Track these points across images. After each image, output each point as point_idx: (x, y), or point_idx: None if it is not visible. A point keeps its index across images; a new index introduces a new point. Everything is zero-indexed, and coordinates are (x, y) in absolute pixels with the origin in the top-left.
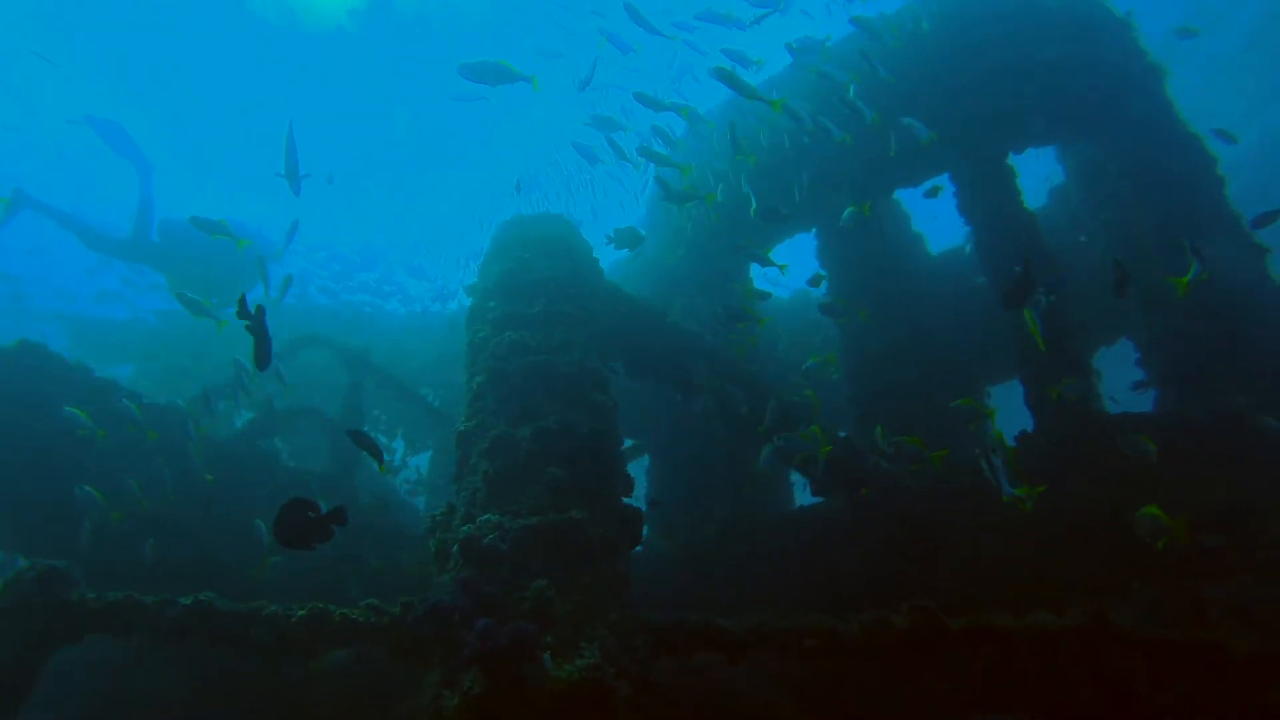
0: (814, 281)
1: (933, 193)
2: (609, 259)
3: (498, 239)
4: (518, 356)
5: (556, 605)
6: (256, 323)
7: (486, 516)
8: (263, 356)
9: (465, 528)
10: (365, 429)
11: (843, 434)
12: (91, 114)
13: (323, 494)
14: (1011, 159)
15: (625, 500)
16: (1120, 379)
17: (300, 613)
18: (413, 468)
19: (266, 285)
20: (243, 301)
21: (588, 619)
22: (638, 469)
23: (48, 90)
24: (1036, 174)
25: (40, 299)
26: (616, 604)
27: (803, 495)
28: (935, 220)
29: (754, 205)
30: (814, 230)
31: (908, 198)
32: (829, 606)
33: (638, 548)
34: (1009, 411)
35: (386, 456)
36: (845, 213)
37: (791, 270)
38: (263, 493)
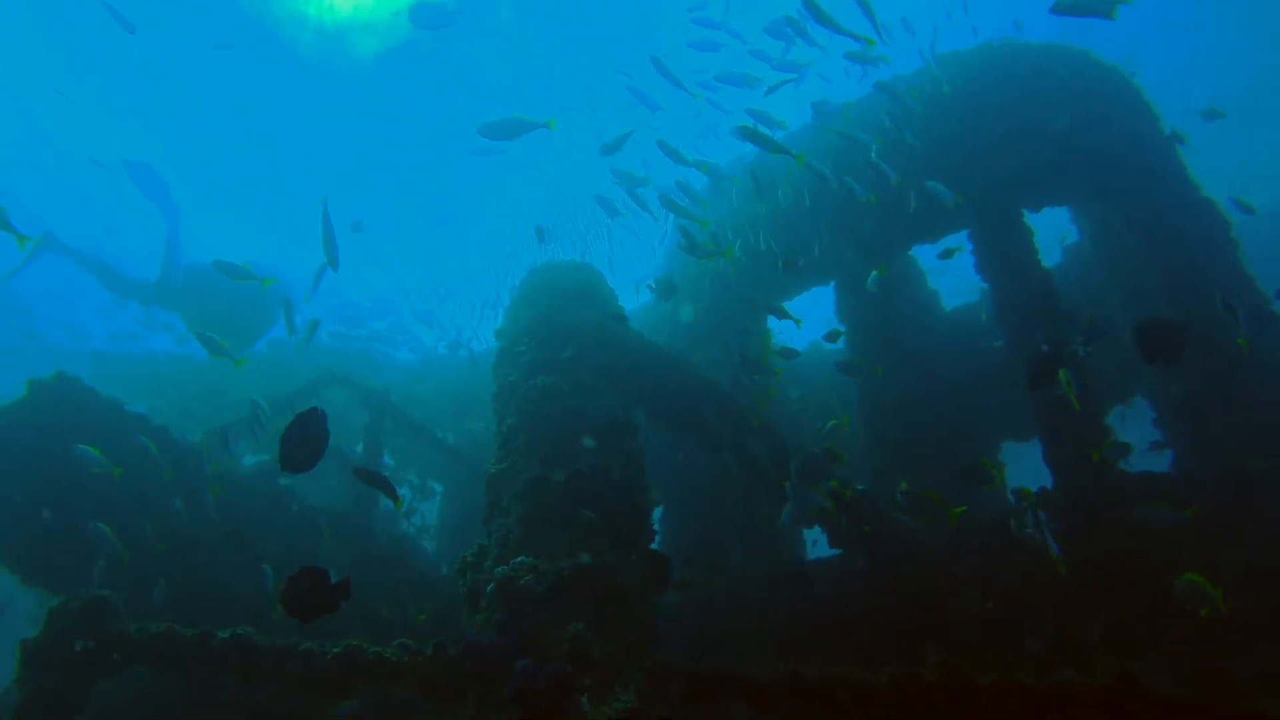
0: (830, 337)
1: (947, 254)
2: (629, 305)
3: (527, 284)
4: (549, 401)
5: (593, 648)
6: (317, 426)
7: (521, 558)
8: (303, 462)
9: (500, 569)
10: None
11: (860, 488)
12: (128, 157)
13: (333, 532)
14: (1028, 216)
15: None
16: (1133, 438)
17: (335, 650)
18: (418, 514)
19: (292, 327)
20: (317, 409)
21: (622, 662)
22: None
23: (76, 129)
24: (1051, 232)
25: (55, 337)
26: (648, 648)
27: (813, 550)
28: (944, 276)
29: (780, 260)
30: (832, 284)
31: (922, 254)
32: (842, 656)
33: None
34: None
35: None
36: (870, 277)
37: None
38: (275, 530)
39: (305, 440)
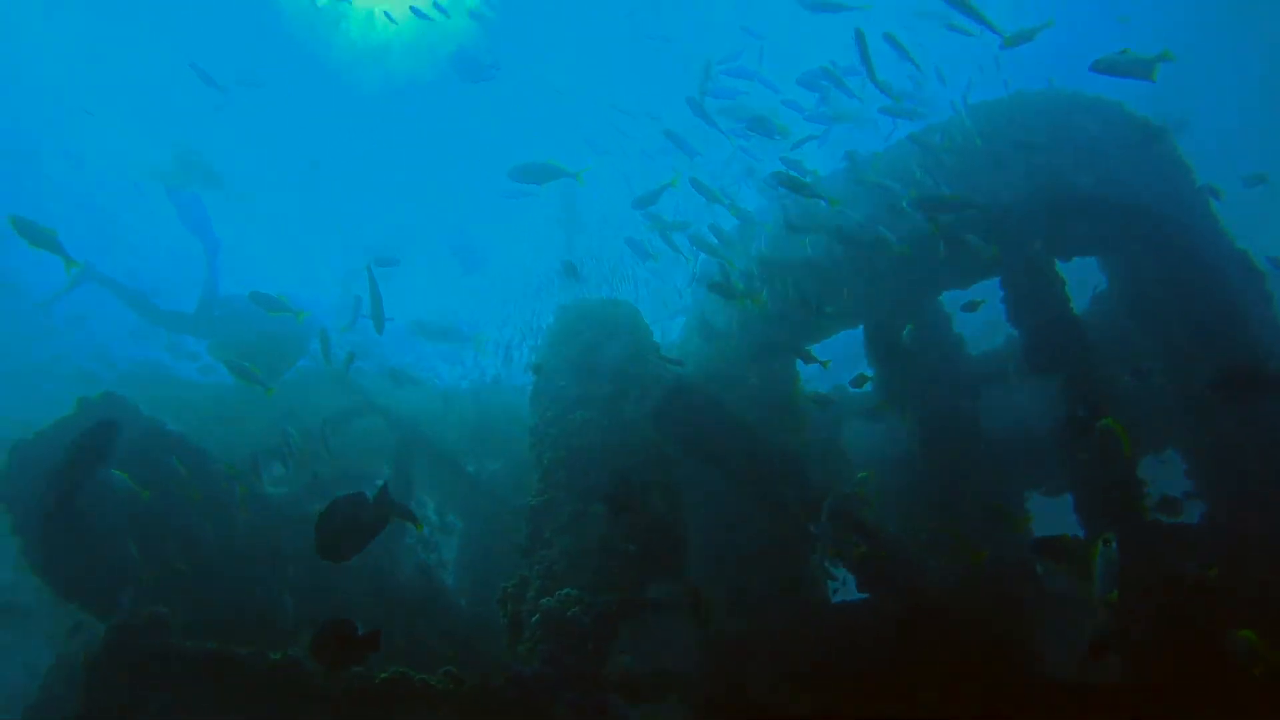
0: (857, 382)
1: (971, 306)
2: (663, 341)
3: (564, 321)
4: (589, 435)
5: (639, 680)
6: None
7: (566, 590)
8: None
9: (546, 600)
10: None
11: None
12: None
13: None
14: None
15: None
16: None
17: (382, 675)
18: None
19: (329, 358)
20: (384, 490)
21: (667, 693)
22: None
23: (104, 149)
24: (1078, 278)
25: (80, 362)
26: (691, 679)
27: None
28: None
29: (810, 305)
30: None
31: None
32: (872, 692)
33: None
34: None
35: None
36: (905, 331)
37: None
38: (301, 556)
39: (347, 529)
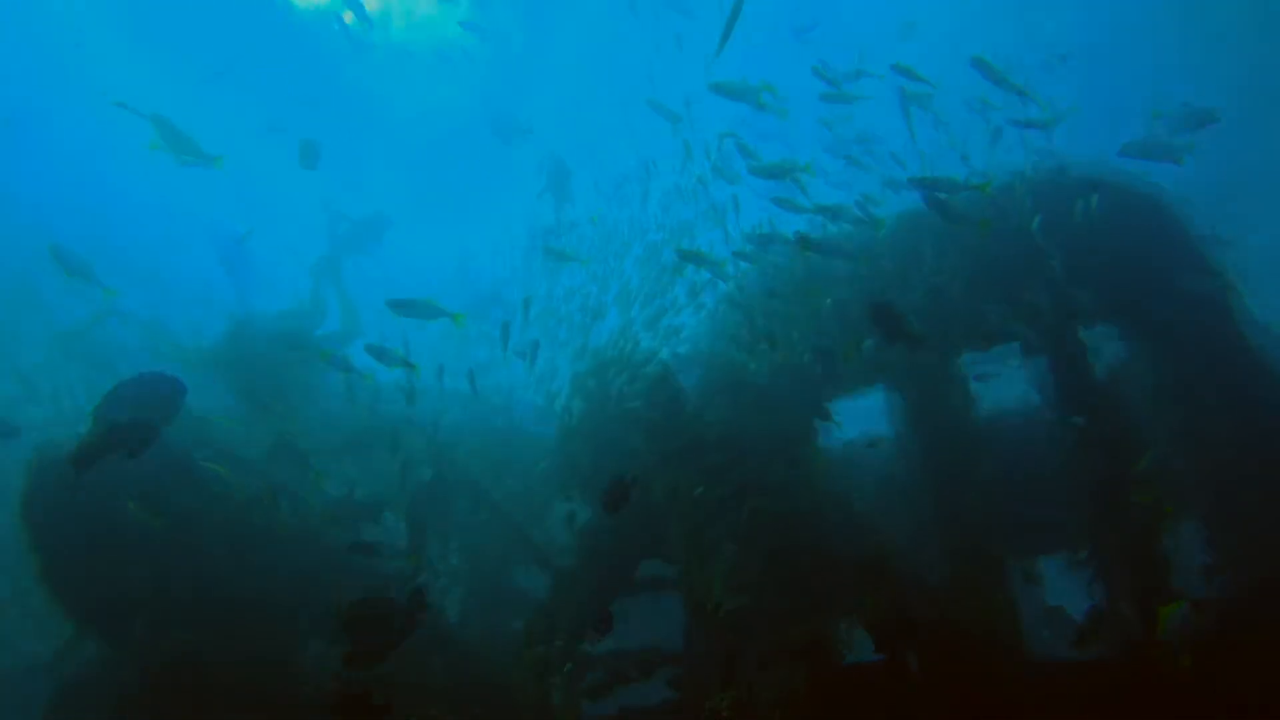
0: (872, 443)
1: (983, 378)
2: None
3: (590, 368)
4: (617, 477)
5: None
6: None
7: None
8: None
9: (583, 644)
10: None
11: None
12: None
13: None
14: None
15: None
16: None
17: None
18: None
19: (355, 398)
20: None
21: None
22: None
23: (144, 184)
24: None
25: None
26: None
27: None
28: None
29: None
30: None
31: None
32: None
33: None
34: None
35: None
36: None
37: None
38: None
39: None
